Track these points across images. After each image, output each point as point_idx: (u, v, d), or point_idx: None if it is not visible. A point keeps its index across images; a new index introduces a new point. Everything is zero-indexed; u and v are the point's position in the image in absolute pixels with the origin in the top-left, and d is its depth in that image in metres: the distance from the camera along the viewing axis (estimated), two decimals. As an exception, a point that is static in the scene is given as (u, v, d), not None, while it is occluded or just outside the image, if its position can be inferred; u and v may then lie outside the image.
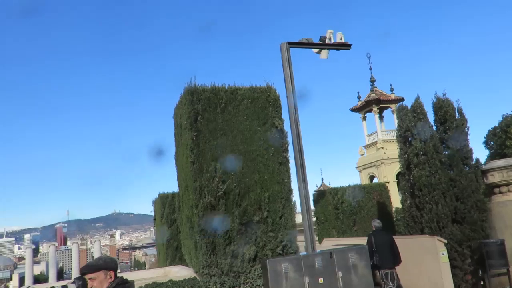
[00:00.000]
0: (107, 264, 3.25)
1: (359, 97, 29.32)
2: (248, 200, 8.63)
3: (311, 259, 7.78)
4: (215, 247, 8.27)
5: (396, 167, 27.14)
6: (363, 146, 29.62)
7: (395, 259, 8.88)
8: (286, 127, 9.48)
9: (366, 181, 27.06)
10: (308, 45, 10.40)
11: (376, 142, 28.09)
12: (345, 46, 11.13)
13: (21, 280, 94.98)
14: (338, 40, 10.91)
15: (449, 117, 10.98)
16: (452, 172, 10.93)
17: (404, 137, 11.35)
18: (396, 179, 26.72)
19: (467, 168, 10.92)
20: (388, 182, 22.21)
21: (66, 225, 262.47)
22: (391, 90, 28.61)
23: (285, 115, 9.58)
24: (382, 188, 18.22)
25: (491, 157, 24.42)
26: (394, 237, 10.37)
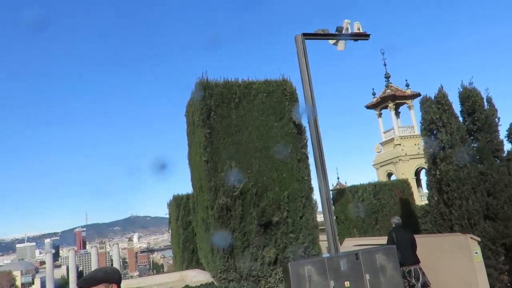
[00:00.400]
0: (108, 276, 2.80)
1: (374, 94, 28.75)
2: (267, 199, 8.15)
3: (336, 261, 7.28)
4: (233, 250, 7.80)
5: (415, 164, 26.52)
6: (380, 143, 29.03)
7: (416, 256, 8.66)
8: (304, 122, 8.99)
9: (383, 178, 26.42)
10: (324, 36, 9.87)
11: (393, 138, 27.48)
12: (363, 36, 10.55)
13: (43, 284, 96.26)
14: (355, 30, 10.35)
15: (477, 108, 10.31)
16: (482, 165, 10.27)
17: (429, 130, 10.72)
18: (415, 176, 26.06)
19: (498, 161, 10.24)
20: (407, 179, 21.52)
21: (85, 229, 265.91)
22: (407, 85, 27.98)
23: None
24: (404, 184, 17.53)
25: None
26: (420, 235, 9.88)
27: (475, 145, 10.45)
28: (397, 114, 28.59)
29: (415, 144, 26.92)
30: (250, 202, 8.00)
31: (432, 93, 10.92)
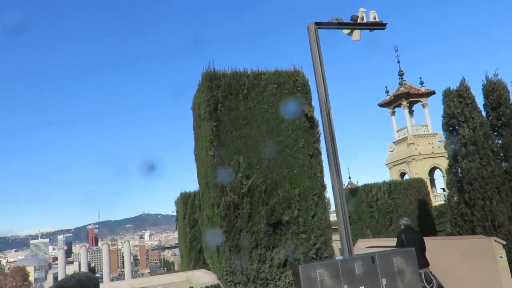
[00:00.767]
0: (81, 285, 2.34)
1: (387, 92, 28.17)
2: (276, 197, 7.64)
3: (350, 264, 6.74)
4: (240, 251, 7.32)
5: (429, 163, 25.84)
6: (393, 142, 28.45)
7: (426, 258, 8.41)
8: (317, 116, 8.47)
9: (396, 178, 25.84)
10: (338, 25, 9.31)
11: (406, 137, 26.89)
12: (379, 25, 9.94)
13: (55, 280, 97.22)
14: (371, 20, 9.76)
15: (503, 101, 9.65)
16: (507, 163, 9.62)
17: (450, 125, 10.09)
18: (429, 175, 25.36)
19: (525, 159, 9.59)
20: (423, 179, 20.85)
21: (97, 226, 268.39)
22: (421, 83, 27.36)
23: (314, 102, 8.55)
24: (420, 183, 16.84)
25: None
26: (438, 237, 9.45)
27: (499, 141, 9.80)
28: (411, 112, 28.00)
29: (429, 143, 26.28)
30: (258, 200, 7.50)
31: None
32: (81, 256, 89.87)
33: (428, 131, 27.05)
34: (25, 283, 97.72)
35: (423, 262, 8.18)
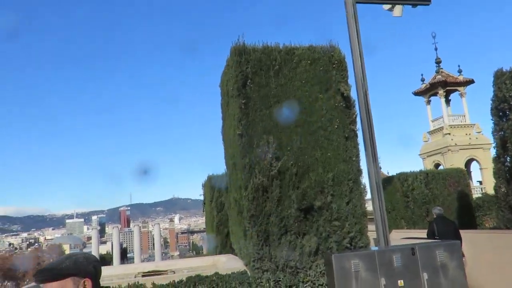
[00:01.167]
0: (78, 267, 1.91)
1: (423, 80, 27.11)
2: (308, 181, 7.12)
3: (388, 256, 6.18)
4: (268, 236, 6.87)
5: (465, 155, 24.64)
6: (427, 132, 27.42)
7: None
8: (353, 95, 7.84)
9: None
10: (379, -1, 8.58)
11: (442, 127, 25.80)
12: (423, 1, 9.13)
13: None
14: (415, -7, 8.94)
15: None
16: None
17: (500, 110, 9.22)
18: (465, 167, 24.21)
19: None
20: (463, 169, 19.75)
21: (129, 208, 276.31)
22: (459, 71, 26.12)
23: (350, 81, 7.92)
24: (460, 174, 15.88)
25: None
26: (481, 231, 8.85)
27: (556, 127, 8.88)
28: (447, 101, 26.88)
29: (466, 134, 25.10)
30: (289, 183, 7.01)
31: (490, 81, 9.41)
32: (113, 236, 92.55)
33: (465, 121, 25.87)
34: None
35: None
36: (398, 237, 12.33)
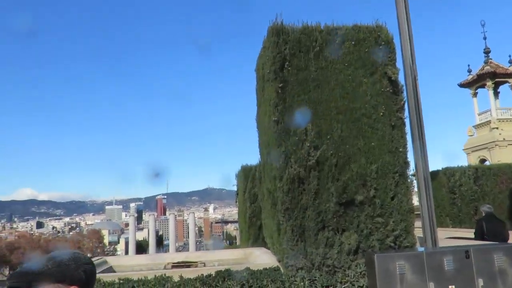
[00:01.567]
0: (63, 272, 1.43)
1: (469, 71, 25.55)
2: (349, 173, 6.50)
3: (438, 258, 5.52)
4: (304, 232, 6.34)
5: (514, 150, 23.12)
6: (473, 126, 25.95)
7: None
8: (400, 80, 7.13)
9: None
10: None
11: (489, 121, 24.35)
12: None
13: (126, 245, 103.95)
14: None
15: None
16: None
17: None
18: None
19: None
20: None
21: (165, 197, 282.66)
22: (510, 62, 24.36)
23: (398, 66, 7.20)
24: (514, 170, 14.62)
25: None
26: None
27: None
28: (496, 94, 25.33)
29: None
30: (328, 175, 6.42)
31: None
32: (149, 224, 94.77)
33: (515, 115, 24.28)
34: (100, 245, 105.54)
35: None
36: (443, 236, 11.47)
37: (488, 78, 24.13)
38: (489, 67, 24.26)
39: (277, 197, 6.65)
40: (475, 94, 25.66)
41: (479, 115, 25.54)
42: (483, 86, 24.80)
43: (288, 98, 6.57)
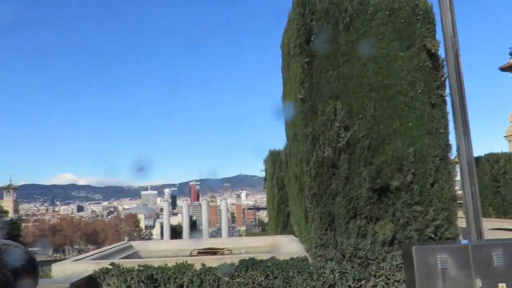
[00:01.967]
0: None
1: (511, 53, 23.84)
2: (384, 156, 5.91)
3: (486, 252, 4.92)
4: (334, 220, 5.84)
5: (560, 140, 21.49)
6: (515, 112, 24.26)
7: None
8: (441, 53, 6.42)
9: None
10: None
11: (533, 107, 22.61)
12: None
13: (162, 229, 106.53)
14: None
15: None
16: None
17: None
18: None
19: None
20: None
21: (198, 183, 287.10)
22: (557, 44, 22.46)
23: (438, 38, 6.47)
24: None
25: None
26: None
27: None
28: (540, 79, 23.50)
29: None
30: (360, 158, 5.86)
31: None
32: (183, 209, 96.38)
33: (561, 100, 22.53)
34: (136, 229, 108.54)
35: None
36: (486, 227, 10.67)
37: (533, 61, 22.53)
38: (534, 49, 22.60)
39: (304, 182, 6.17)
40: (517, 79, 24.06)
41: (522, 100, 23.97)
42: (526, 70, 23.19)
43: (315, 74, 6.02)
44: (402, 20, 6.31)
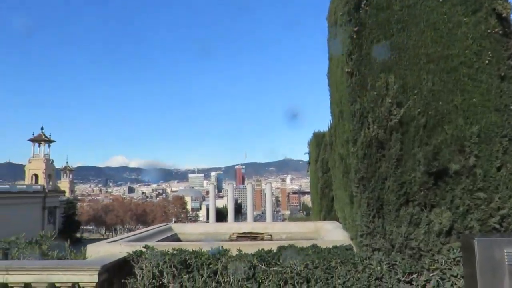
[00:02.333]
0: None
1: None
2: (442, 135, 5.23)
3: None
4: (383, 206, 5.28)
5: None
6: None
7: None
8: None
9: None
10: None
11: None
12: None
13: (207, 211, 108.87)
14: None
15: None
16: None
17: None
18: None
19: None
20: None
21: (244, 167, 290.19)
22: None
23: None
24: None
25: None
26: None
27: None
28: None
29: None
30: (414, 138, 5.22)
31: None
32: (228, 192, 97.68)
33: None
34: (183, 210, 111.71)
35: None
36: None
37: None
38: None
39: (350, 164, 5.62)
40: None
41: None
42: None
43: (365, 45, 5.39)
44: (467, -19, 5.50)
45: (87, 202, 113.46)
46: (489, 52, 5.37)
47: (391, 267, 5.03)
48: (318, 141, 11.85)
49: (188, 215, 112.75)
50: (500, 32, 5.42)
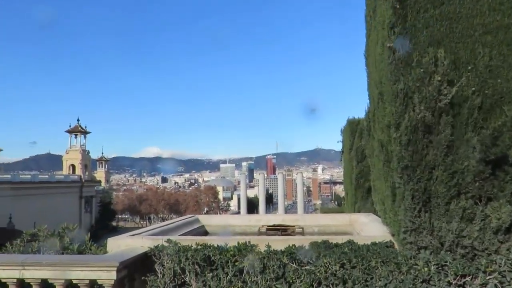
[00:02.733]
0: None
1: None
2: (502, 118, 4.52)
3: None
4: (430, 199, 4.65)
5: None
6: None
7: None
8: None
9: None
10: None
11: None
12: None
13: (239, 201, 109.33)
14: None
15: None
16: None
17: None
18: None
19: None
20: None
21: (275, 157, 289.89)
22: None
23: None
24: None
25: None
26: None
27: None
28: None
29: None
30: (468, 121, 4.54)
31: None
32: (259, 182, 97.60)
33: None
34: (215, 200, 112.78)
35: None
36: None
37: None
38: None
39: (391, 152, 5.00)
40: None
41: None
42: None
43: (410, 16, 4.72)
44: None
45: (122, 192, 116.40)
46: (559, 21, 4.59)
47: (440, 268, 4.41)
48: (352, 129, 11.15)
49: (219, 205, 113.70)
50: None
